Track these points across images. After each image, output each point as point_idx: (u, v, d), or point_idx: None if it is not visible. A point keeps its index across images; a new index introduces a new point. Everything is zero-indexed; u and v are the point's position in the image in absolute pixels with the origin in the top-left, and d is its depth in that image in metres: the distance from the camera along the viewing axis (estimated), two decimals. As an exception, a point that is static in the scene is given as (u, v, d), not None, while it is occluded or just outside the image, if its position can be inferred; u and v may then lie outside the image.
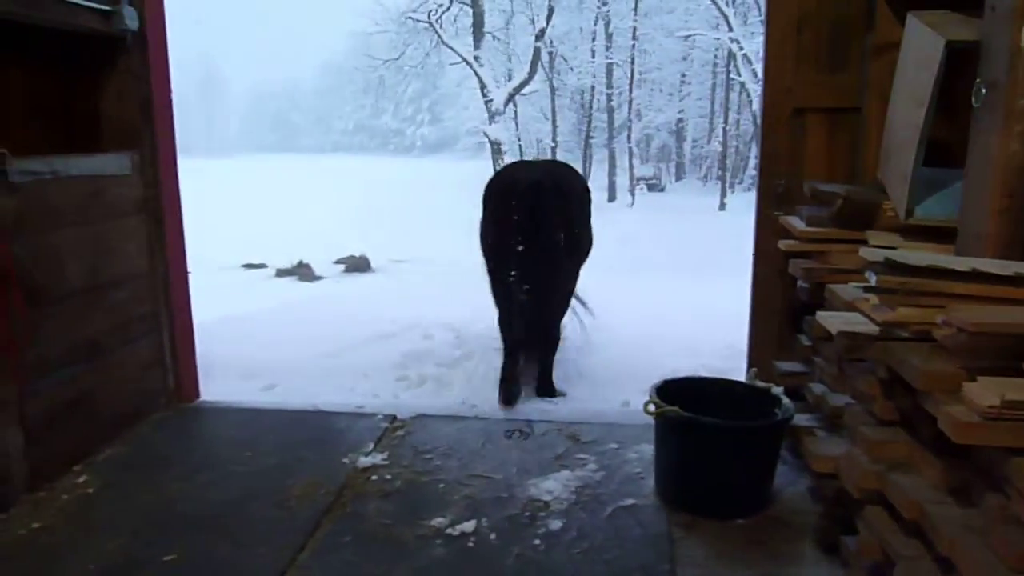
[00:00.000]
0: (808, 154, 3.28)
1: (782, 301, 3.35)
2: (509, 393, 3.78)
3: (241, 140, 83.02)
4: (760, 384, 2.93)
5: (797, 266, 2.94)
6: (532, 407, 3.73)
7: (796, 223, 3.02)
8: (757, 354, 3.50)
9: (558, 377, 4.14)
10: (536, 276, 3.78)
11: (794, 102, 3.25)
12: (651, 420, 2.77)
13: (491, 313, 4.17)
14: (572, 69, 27.81)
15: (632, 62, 27.10)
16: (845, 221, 2.82)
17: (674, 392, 2.84)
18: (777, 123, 3.30)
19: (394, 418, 3.61)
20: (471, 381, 4.26)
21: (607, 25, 26.96)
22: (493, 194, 4.00)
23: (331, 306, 7.39)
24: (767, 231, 3.34)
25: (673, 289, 8.19)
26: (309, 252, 16.71)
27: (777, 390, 2.87)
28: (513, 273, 3.77)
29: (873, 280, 1.96)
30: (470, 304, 5.20)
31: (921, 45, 2.50)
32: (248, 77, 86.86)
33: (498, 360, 4.07)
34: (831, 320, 2.24)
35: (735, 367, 3.79)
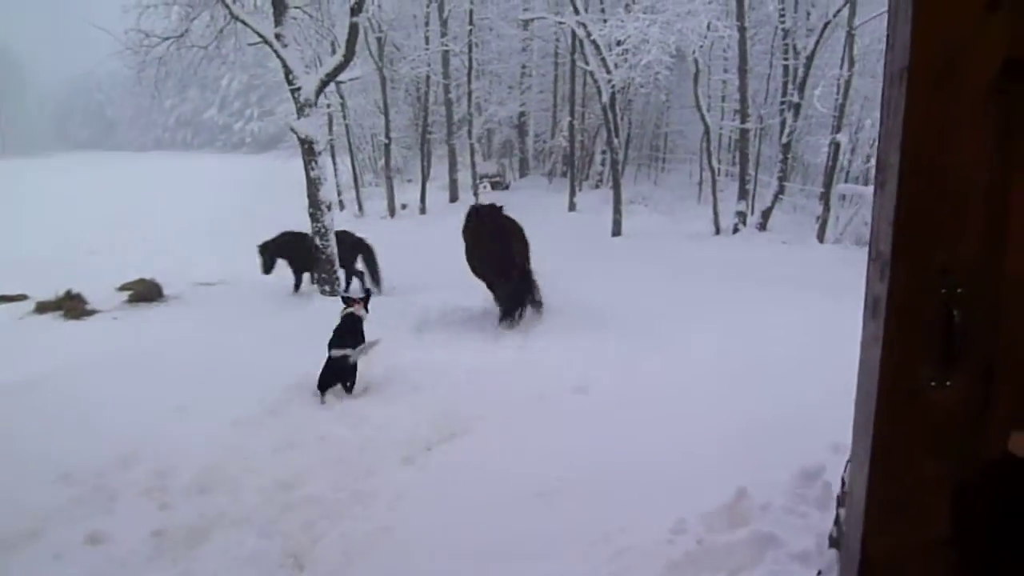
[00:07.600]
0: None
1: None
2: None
3: (51, 137, 76.08)
4: None
5: None
6: None
7: None
8: None
9: None
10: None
11: (1005, 46, 1.00)
12: None
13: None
14: (405, 58, 25.17)
15: (470, 50, 24.83)
16: None
17: None
18: (938, 104, 1.03)
19: None
20: None
21: (441, 9, 24.55)
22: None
23: None
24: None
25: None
26: (97, 273, 13.79)
27: None
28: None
29: None
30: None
31: None
32: (59, 71, 79.10)
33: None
34: None
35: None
